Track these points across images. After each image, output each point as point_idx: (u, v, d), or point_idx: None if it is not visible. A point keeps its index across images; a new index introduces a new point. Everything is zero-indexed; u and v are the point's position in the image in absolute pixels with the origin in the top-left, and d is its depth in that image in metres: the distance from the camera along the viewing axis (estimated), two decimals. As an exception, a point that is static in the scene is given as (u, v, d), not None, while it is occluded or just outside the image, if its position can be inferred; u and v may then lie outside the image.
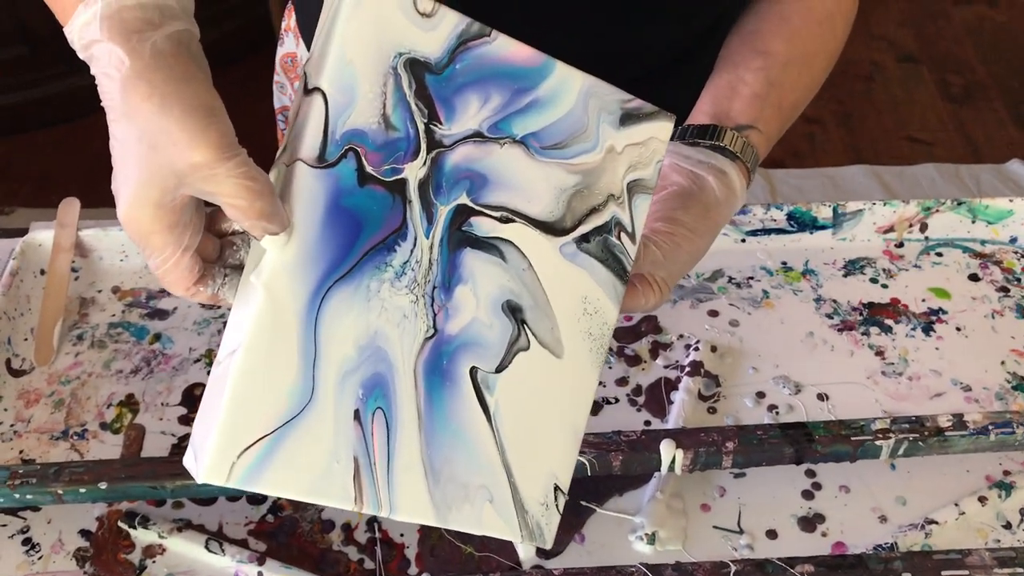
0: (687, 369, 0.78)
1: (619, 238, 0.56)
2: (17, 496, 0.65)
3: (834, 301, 0.85)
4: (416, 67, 0.49)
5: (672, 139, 0.66)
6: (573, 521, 0.68)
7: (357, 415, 0.48)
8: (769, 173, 1.03)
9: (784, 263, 0.88)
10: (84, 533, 0.68)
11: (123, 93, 0.44)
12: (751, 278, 0.87)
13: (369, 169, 0.48)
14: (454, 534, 0.68)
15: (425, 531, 0.68)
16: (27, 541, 0.67)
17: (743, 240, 0.90)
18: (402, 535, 0.68)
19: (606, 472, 0.68)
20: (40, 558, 0.66)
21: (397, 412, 0.49)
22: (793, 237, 0.90)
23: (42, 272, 0.84)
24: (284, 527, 0.69)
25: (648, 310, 0.62)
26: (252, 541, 0.68)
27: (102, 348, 0.80)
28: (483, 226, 0.52)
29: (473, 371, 0.52)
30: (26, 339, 0.81)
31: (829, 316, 0.84)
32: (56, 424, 0.74)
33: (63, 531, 0.68)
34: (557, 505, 0.54)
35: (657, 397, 0.77)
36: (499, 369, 0.52)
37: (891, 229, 0.90)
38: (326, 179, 0.47)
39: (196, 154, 0.44)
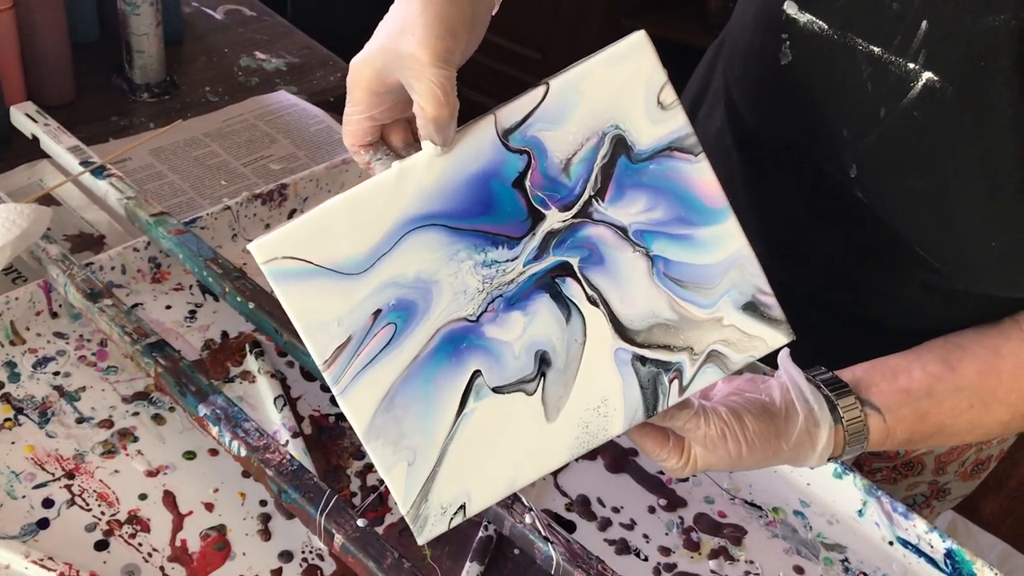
0: (726, 585, 0.75)
1: (670, 383, 0.58)
2: (205, 274, 0.82)
3: (921, 651, 0.76)
4: (619, 147, 0.54)
5: (807, 368, 0.65)
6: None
7: (376, 314, 0.55)
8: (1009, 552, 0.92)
9: (910, 589, 0.80)
10: (223, 334, 0.84)
11: None
12: (865, 574, 0.80)
13: (527, 182, 0.54)
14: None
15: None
16: (192, 312, 0.85)
17: (891, 542, 0.83)
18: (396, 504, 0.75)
19: (567, 583, 0.69)
20: (188, 328, 0.84)
21: (402, 340, 0.55)
22: (937, 574, 0.81)
23: (360, 177, 1.04)
24: (333, 432, 0.79)
25: (664, 467, 0.62)
26: (307, 422, 0.79)
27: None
28: (572, 290, 0.56)
29: (476, 373, 0.57)
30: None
31: (903, 657, 0.75)
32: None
33: (214, 323, 0.84)
34: (452, 519, 0.58)
35: (681, 585, 0.75)
36: (496, 390, 0.57)
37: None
38: (496, 153, 0.54)
39: (418, 50, 0.51)
